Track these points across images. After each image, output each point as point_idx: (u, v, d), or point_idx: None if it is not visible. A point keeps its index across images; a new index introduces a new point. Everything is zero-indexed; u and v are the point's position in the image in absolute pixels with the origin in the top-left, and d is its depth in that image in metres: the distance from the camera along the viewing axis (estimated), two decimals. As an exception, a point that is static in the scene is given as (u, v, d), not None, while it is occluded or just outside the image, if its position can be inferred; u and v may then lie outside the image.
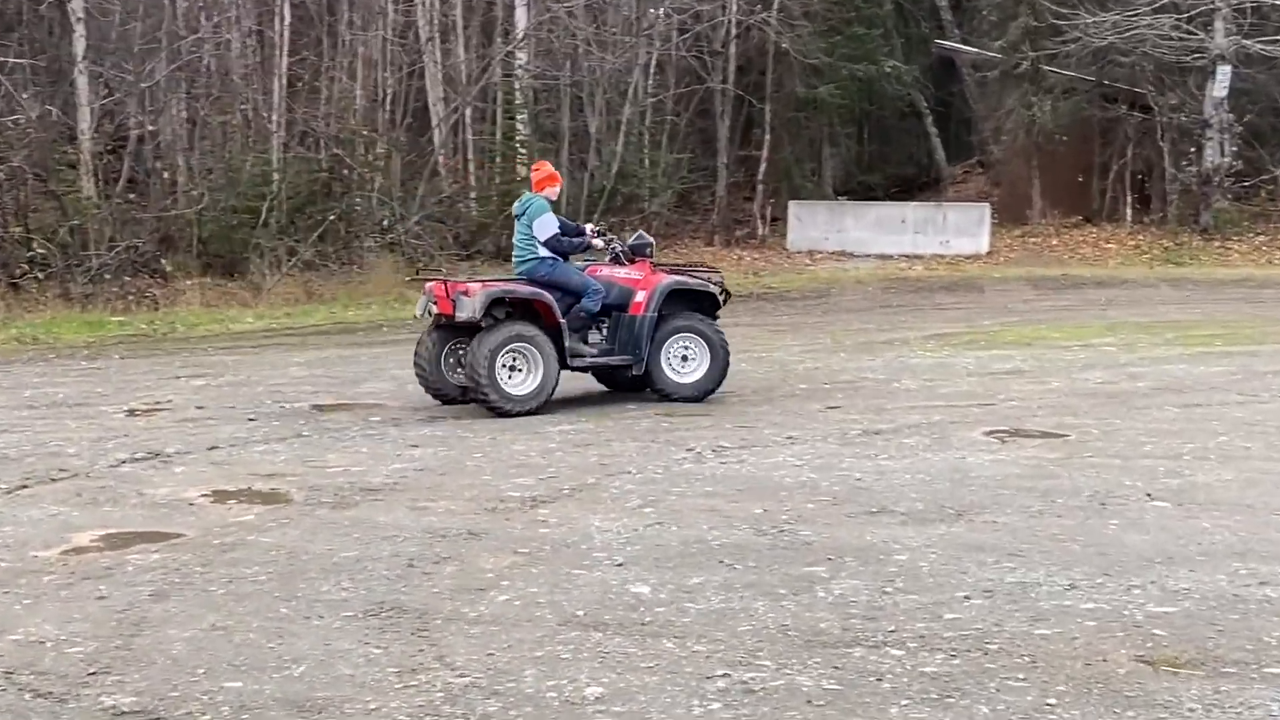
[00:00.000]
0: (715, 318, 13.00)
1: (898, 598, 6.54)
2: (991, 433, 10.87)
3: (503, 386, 11.96)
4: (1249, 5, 30.07)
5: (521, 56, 29.73)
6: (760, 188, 33.70)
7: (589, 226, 13.06)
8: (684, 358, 12.73)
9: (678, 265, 14.35)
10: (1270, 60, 30.20)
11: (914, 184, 40.26)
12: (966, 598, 6.52)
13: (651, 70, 31.87)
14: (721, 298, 13.08)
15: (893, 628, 6.11)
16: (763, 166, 33.62)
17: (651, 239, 13.39)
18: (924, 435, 10.78)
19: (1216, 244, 29.70)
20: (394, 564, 7.18)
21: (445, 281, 12.35)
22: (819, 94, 33.89)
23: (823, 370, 14.83)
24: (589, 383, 13.26)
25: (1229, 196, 30.97)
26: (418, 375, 12.64)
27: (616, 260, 12.85)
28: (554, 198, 12.69)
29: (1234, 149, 30.92)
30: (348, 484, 9.15)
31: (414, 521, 8.10)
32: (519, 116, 30.19)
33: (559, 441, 10.71)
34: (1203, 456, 9.78)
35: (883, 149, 42.87)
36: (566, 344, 12.29)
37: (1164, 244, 30.00)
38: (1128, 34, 30.05)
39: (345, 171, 26.28)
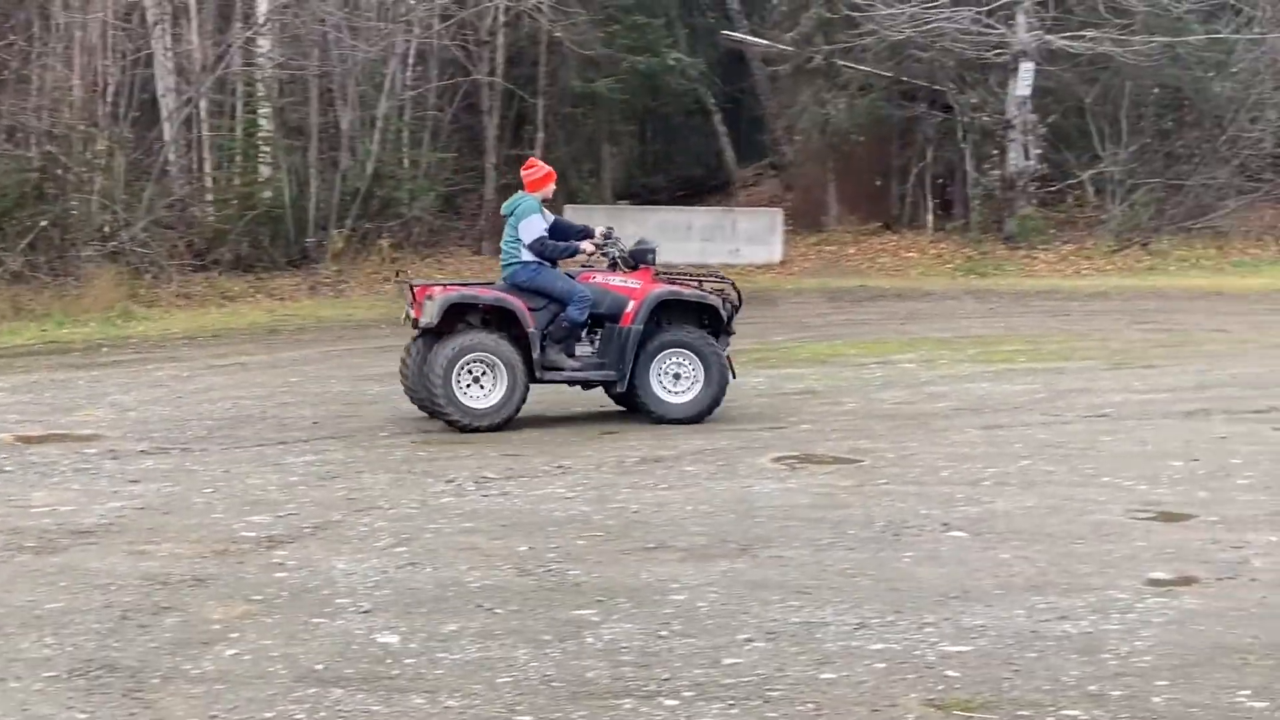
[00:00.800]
0: (728, 332, 12.99)
1: (674, 642, 6.56)
2: (781, 459, 11.00)
3: (460, 399, 12.08)
4: (1052, -2, 31.04)
5: (264, 43, 29.21)
6: (533, 191, 33.66)
7: (600, 229, 13.09)
8: (676, 376, 12.72)
9: (683, 273, 14.30)
10: (1075, 57, 31.11)
11: (701, 187, 40.62)
12: (748, 640, 6.57)
13: (411, 60, 31.58)
14: (725, 310, 12.99)
15: (667, 675, 6.12)
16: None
17: (654, 245, 13.35)
18: (708, 462, 10.86)
19: (1021, 253, 30.48)
20: (105, 616, 6.98)
21: (425, 286, 12.55)
22: (597, 88, 33.92)
23: (596, 392, 14.83)
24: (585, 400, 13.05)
25: (1034, 202, 31.81)
26: (402, 385, 12.79)
27: (614, 266, 12.89)
28: (549, 197, 12.81)
29: (1039, 152, 31.78)
30: (55, 526, 8.88)
31: (131, 567, 7.88)
32: (261, 110, 29.70)
33: (301, 474, 10.54)
34: (1003, 482, 10.02)
35: (667, 149, 43.19)
36: (535, 355, 12.33)
37: (967, 253, 30.68)
38: (926, 28, 30.67)
39: (60, 171, 25.53)
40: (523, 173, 13.12)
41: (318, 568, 7.85)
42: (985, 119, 31.92)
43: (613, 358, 12.60)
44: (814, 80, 33.49)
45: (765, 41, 37.47)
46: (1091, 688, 5.97)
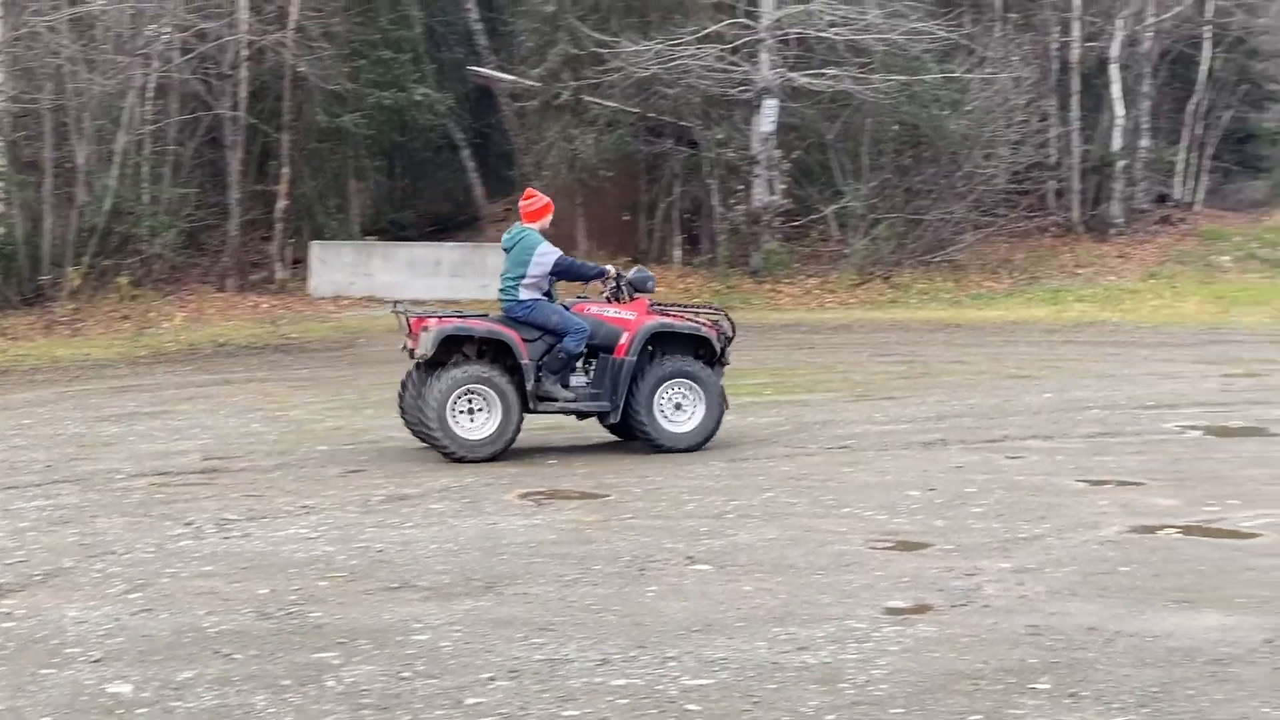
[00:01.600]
0: (722, 362, 13.33)
1: (416, 683, 6.50)
2: (527, 495, 11.00)
3: (454, 430, 12.25)
4: (794, 36, 31.61)
5: (-5, 76, 28.44)
6: (279, 226, 33.14)
7: (611, 268, 13.35)
8: (678, 405, 13.02)
9: (675, 305, 14.45)
10: (816, 94, 31.80)
11: (450, 222, 40.50)
12: (491, 679, 6.54)
13: (150, 94, 30.97)
14: (719, 343, 13.30)
15: (409, 718, 6.06)
16: (281, 203, 33.08)
17: (651, 274, 13.51)
18: (454, 500, 10.81)
19: (767, 286, 31.01)
20: None
21: (421, 317, 12.67)
22: (343, 123, 33.62)
23: (345, 430, 14.71)
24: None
25: (779, 236, 32.40)
26: (400, 416, 13.03)
27: (616, 297, 13.05)
28: (547, 228, 12.98)
29: (783, 187, 32.42)
30: None
31: None
32: (-8, 145, 28.88)
33: (32, 519, 10.22)
34: (746, 514, 10.14)
35: (416, 184, 42.98)
36: (529, 386, 12.44)
37: (714, 286, 31.09)
38: (671, 64, 31.06)
39: None
40: (521, 204, 13.27)
41: (47, 616, 7.62)
42: (730, 154, 32.40)
43: (607, 388, 12.83)
44: (561, 116, 33.61)
45: (512, 77, 37.54)
46: (829, 717, 6.06)
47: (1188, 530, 9.51)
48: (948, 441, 13.26)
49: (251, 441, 13.87)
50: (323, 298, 31.13)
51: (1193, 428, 13.93)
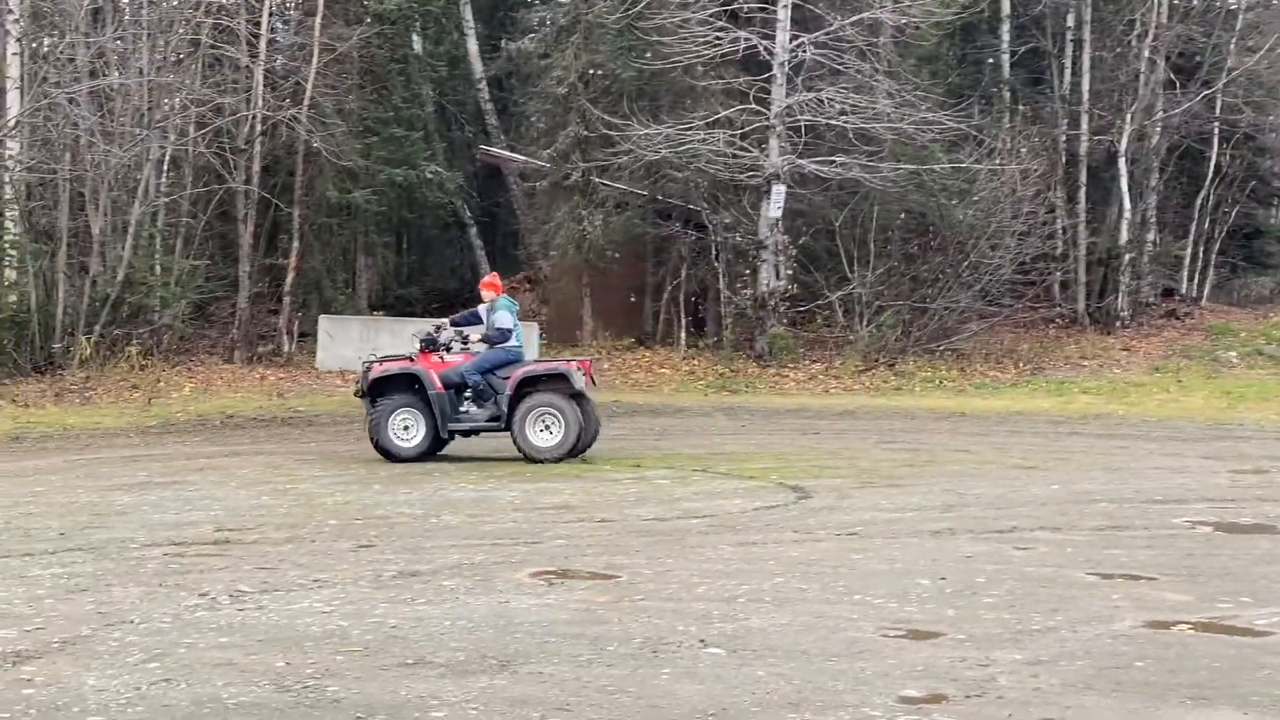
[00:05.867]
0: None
1: (435, 760, 6.54)
2: (538, 574, 11.03)
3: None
4: (803, 124, 31.87)
5: (13, 146, 28.66)
6: (287, 299, 33.32)
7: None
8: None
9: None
10: (824, 181, 32.06)
11: (457, 299, 40.67)
12: (510, 758, 6.57)
13: (165, 166, 31.28)
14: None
15: (429, 794, 6.10)
16: (290, 276, 33.29)
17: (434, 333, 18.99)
18: (465, 577, 10.85)
19: (772, 371, 31.12)
20: None
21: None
22: (354, 199, 33.87)
23: (355, 504, 14.76)
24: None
25: (784, 321, 32.54)
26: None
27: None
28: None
29: (790, 272, 32.60)
30: None
31: None
32: (8, 213, 29.07)
33: (49, 587, 10.27)
34: (758, 599, 10.17)
35: (423, 260, 43.28)
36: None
37: (719, 370, 31.22)
38: (682, 148, 31.35)
39: None
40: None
41: (67, 684, 7.66)
42: (738, 239, 32.64)
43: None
44: (570, 196, 33.89)
45: (522, 157, 37.88)
46: (847, 802, 6.10)
47: (1201, 627, 9.53)
48: (956, 531, 13.29)
49: (262, 514, 13.92)
50: (329, 371, 31.22)
51: (1202, 523, 13.96)
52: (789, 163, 31.62)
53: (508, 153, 39.47)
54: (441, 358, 18.65)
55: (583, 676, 8.00)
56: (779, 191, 31.70)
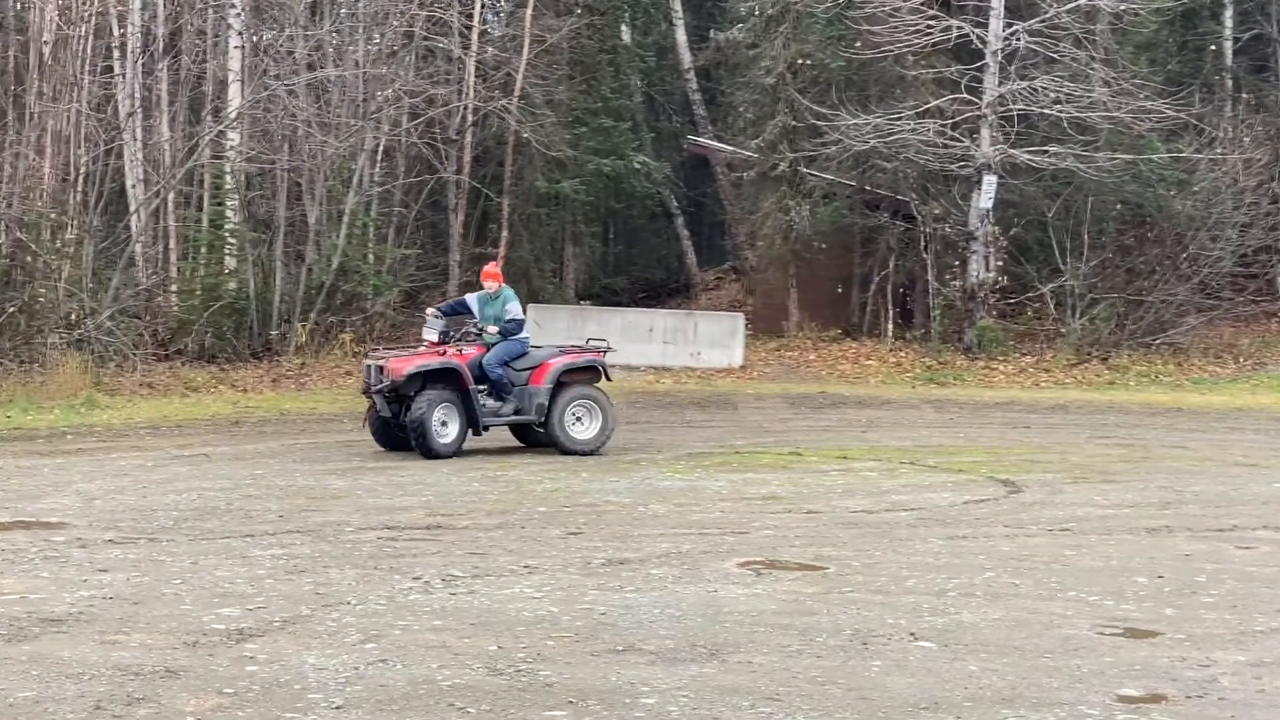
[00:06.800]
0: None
1: (647, 746, 6.59)
2: (746, 564, 11.05)
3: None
4: (1015, 113, 31.43)
5: (234, 137, 29.42)
6: (495, 289, 33.71)
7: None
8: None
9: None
10: (1037, 171, 31.58)
11: (663, 289, 40.93)
12: (721, 746, 6.60)
13: (379, 157, 31.85)
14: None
15: (641, 779, 6.15)
16: (499, 265, 33.71)
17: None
18: (674, 566, 10.90)
19: (981, 364, 30.75)
20: (79, 706, 6.97)
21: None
22: (562, 189, 34.19)
23: (563, 492, 14.91)
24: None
25: (994, 314, 32.12)
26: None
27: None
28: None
29: (1000, 264, 32.16)
30: (25, 614, 8.86)
31: (102, 657, 7.88)
32: (229, 203, 29.86)
33: (269, 567, 10.55)
34: (969, 593, 10.08)
35: (630, 250, 43.53)
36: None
37: (926, 362, 30.93)
38: (890, 138, 31.11)
39: (28, 258, 25.61)
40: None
41: (288, 662, 7.86)
42: (947, 230, 32.28)
43: None
44: (777, 187, 33.82)
45: (730, 148, 37.89)
46: (1062, 800, 6.03)
47: None
48: (1173, 528, 13.03)
49: (473, 500, 14.13)
50: (537, 360, 31.46)
51: None
52: (1001, 153, 31.20)
53: (715, 143, 39.51)
54: (461, 350, 18.09)
55: (792, 667, 8.01)
56: (990, 182, 31.30)
